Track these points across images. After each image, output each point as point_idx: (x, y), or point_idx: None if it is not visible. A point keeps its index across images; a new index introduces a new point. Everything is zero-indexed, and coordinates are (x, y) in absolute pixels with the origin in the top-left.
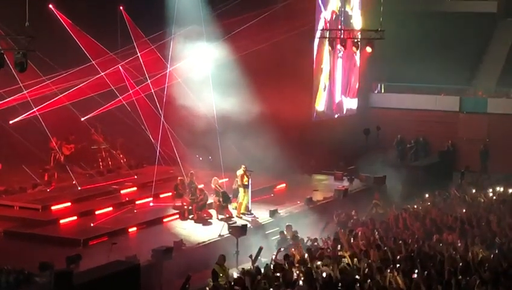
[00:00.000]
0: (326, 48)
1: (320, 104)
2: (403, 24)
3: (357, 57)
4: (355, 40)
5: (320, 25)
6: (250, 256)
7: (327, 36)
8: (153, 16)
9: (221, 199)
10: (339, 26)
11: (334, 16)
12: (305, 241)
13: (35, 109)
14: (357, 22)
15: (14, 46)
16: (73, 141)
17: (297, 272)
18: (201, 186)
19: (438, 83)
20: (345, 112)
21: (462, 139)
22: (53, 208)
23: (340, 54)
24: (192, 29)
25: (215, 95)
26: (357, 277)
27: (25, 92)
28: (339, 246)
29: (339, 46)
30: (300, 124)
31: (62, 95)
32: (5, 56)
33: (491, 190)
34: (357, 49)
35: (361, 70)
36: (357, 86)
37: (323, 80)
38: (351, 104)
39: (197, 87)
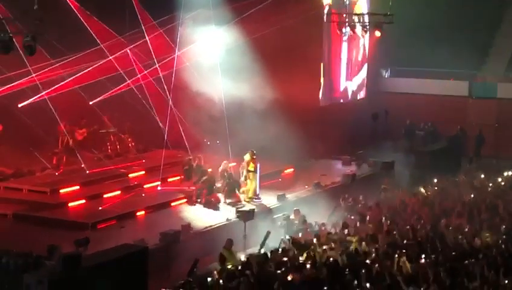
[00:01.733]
0: (335, 32)
1: (328, 89)
2: (412, 7)
3: (366, 41)
4: (364, 24)
5: (328, 8)
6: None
7: (335, 20)
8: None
9: (229, 184)
10: (347, 10)
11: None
12: (313, 225)
13: (43, 93)
14: (365, 5)
15: (22, 30)
16: (85, 125)
17: (305, 256)
18: (209, 170)
19: (448, 68)
20: (353, 97)
21: (472, 124)
22: (61, 191)
23: (345, 38)
24: (201, 12)
25: (223, 79)
26: (364, 262)
27: (34, 75)
28: (347, 230)
29: (347, 30)
30: (309, 109)
31: (70, 79)
32: (13, 39)
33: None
34: (365, 33)
35: (370, 55)
36: (365, 71)
37: (331, 64)
38: (359, 89)
39: (206, 71)
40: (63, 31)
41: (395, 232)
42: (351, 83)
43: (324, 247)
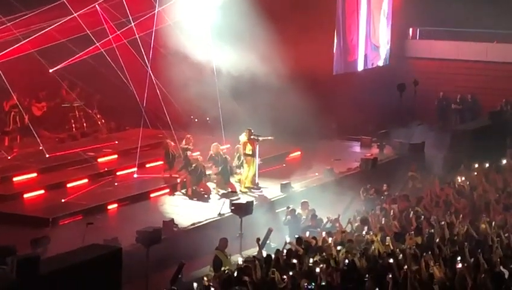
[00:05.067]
0: None
1: (342, 53)
2: None
3: None
4: None
5: None
6: (258, 240)
7: None
8: None
9: (222, 170)
10: None
11: None
12: (324, 221)
13: None
14: None
15: None
16: (44, 98)
17: (315, 259)
18: (197, 154)
19: (490, 28)
20: (373, 63)
21: None
22: (15, 179)
23: None
24: None
25: (215, 42)
26: (388, 265)
27: None
28: (366, 228)
29: None
30: (319, 79)
31: (25, 41)
32: None
33: None
34: None
35: (395, 13)
36: (389, 32)
37: (346, 21)
38: (381, 53)
39: (194, 33)
40: None
41: (425, 231)
42: (372, 46)
43: (339, 248)
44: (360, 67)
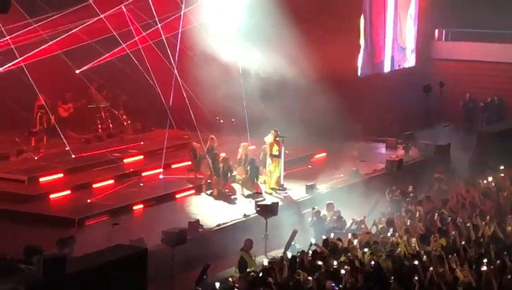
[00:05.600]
0: None
1: (368, 54)
2: None
3: None
4: None
5: None
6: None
7: None
8: None
9: (248, 171)
10: None
11: None
12: (349, 223)
13: (19, 59)
14: None
15: None
16: (70, 99)
17: (340, 260)
18: (223, 155)
19: None
20: (400, 65)
21: None
22: (41, 179)
23: None
24: None
25: (242, 43)
26: (414, 267)
27: (7, 38)
28: (392, 229)
29: None
30: (345, 81)
31: (52, 42)
32: None
33: None
34: None
35: (421, 15)
36: (415, 34)
37: (373, 22)
38: (407, 55)
39: (220, 34)
40: None
41: (451, 233)
42: (398, 47)
43: (364, 249)
44: (387, 68)
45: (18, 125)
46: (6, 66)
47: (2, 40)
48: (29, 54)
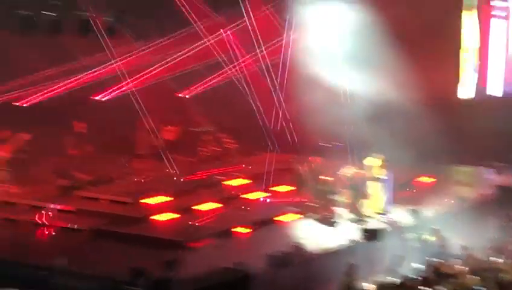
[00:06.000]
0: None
1: (478, 80)
2: None
3: None
4: None
5: None
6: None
7: None
8: None
9: (351, 195)
10: None
11: None
12: (456, 249)
13: (126, 83)
14: None
15: (103, 9)
16: (176, 122)
17: (447, 287)
18: (327, 178)
19: None
20: (507, 87)
21: None
22: (146, 202)
23: (495, 12)
24: None
25: (346, 68)
26: None
27: (115, 62)
28: (502, 256)
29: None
30: (453, 104)
31: (158, 67)
32: (92, 21)
33: None
34: None
35: None
36: None
37: (483, 50)
38: None
39: (325, 58)
40: (149, 10)
41: None
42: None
43: (472, 276)
44: (498, 92)
45: (124, 147)
46: (113, 90)
47: (109, 65)
48: (136, 79)
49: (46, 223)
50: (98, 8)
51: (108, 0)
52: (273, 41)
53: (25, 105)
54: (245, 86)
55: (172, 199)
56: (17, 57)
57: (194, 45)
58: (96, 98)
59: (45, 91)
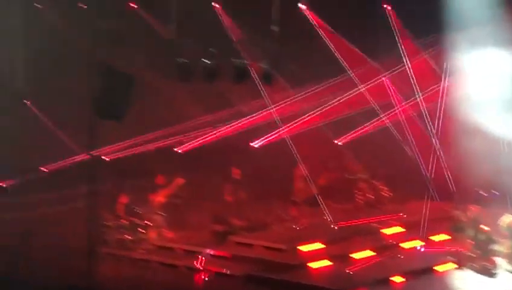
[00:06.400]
0: None
1: None
2: None
3: None
4: None
5: None
6: None
7: None
8: (424, 18)
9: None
10: None
11: None
12: None
13: (281, 129)
14: None
15: (259, 56)
16: (331, 169)
17: None
18: (485, 227)
19: None
20: None
21: None
22: (301, 249)
23: None
24: (475, 31)
25: (505, 115)
26: None
27: (270, 108)
28: None
29: None
30: None
31: (313, 113)
32: (248, 68)
33: None
34: None
35: None
36: None
37: None
38: None
39: (481, 105)
40: (305, 58)
41: None
42: None
43: None
44: None
45: (280, 194)
46: (269, 135)
47: (265, 111)
48: (290, 125)
49: (201, 268)
50: (253, 55)
51: (264, 48)
52: (430, 88)
53: (179, 151)
54: (401, 133)
55: (325, 245)
56: (175, 104)
57: (349, 93)
58: (253, 144)
59: (202, 137)
